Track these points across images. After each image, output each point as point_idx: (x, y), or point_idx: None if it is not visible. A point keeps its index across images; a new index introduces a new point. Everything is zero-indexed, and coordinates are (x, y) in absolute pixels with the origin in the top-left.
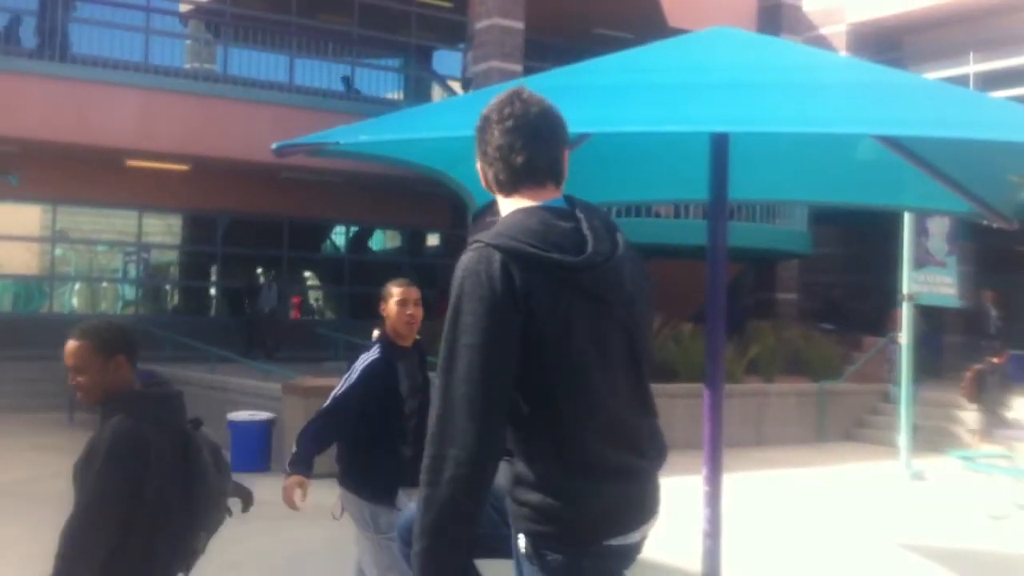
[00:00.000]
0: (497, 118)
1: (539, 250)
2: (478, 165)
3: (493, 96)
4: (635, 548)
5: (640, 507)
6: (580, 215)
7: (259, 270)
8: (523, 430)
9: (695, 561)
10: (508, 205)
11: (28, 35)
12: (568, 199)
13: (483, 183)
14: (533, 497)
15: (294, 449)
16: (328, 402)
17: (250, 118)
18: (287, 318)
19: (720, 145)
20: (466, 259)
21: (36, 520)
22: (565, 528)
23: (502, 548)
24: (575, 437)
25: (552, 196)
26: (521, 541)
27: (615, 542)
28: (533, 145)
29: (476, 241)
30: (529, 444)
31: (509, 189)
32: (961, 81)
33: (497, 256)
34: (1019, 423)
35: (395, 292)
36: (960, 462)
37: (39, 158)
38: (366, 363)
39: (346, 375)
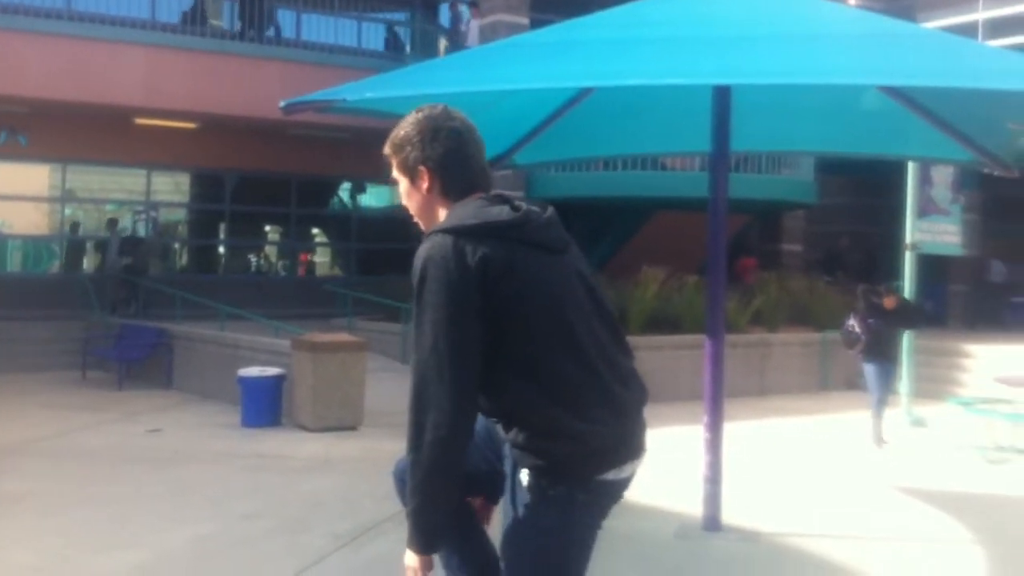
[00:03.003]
0: (430, 142)
1: (482, 221)
2: (405, 179)
3: (423, 107)
4: (624, 483)
5: (629, 444)
6: (510, 199)
7: (267, 227)
8: (521, 383)
9: (696, 505)
10: (446, 207)
11: None
12: (495, 194)
13: (412, 191)
14: (536, 439)
15: None
16: None
17: (257, 75)
18: (144, 271)
19: (722, 97)
20: (422, 249)
21: (54, 476)
22: (566, 464)
23: (497, 486)
24: (568, 372)
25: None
26: (524, 475)
27: (609, 476)
28: (466, 165)
29: (429, 234)
30: (527, 394)
31: (455, 197)
32: (970, 28)
33: (449, 239)
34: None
35: None
36: (960, 408)
37: (47, 118)
38: None
39: None
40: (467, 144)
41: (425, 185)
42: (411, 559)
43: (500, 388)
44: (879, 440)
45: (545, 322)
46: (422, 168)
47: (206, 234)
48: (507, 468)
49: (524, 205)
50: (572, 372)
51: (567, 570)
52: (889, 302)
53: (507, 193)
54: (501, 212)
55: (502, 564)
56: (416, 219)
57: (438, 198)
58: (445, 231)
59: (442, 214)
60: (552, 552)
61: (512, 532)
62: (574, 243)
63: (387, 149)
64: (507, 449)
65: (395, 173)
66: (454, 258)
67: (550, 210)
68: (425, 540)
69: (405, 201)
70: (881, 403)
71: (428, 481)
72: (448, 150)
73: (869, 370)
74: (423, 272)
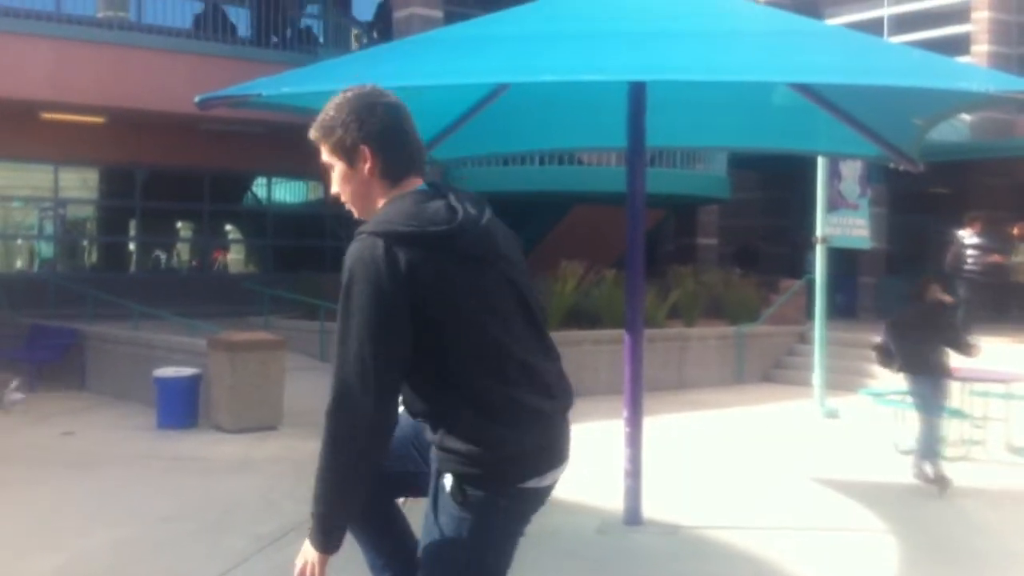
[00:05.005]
0: (367, 119)
1: (416, 228)
2: (341, 162)
3: (357, 88)
4: (546, 491)
5: (552, 452)
6: (448, 193)
7: (179, 224)
8: (442, 389)
9: (617, 500)
10: (396, 185)
11: None
12: (432, 184)
13: (350, 173)
14: (459, 446)
15: None
16: None
17: (167, 68)
18: None
19: (637, 93)
20: (353, 248)
21: None
22: (488, 471)
23: (425, 486)
24: (487, 387)
25: (418, 183)
26: (447, 480)
27: (530, 484)
28: (406, 142)
29: (360, 232)
30: (449, 399)
31: (395, 178)
32: (875, 24)
33: (380, 242)
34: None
35: None
36: (871, 399)
37: None
38: None
39: None
40: (404, 120)
41: (367, 166)
42: (310, 554)
43: (425, 393)
44: (943, 483)
45: (467, 336)
46: (363, 147)
47: (117, 231)
48: (432, 468)
49: (461, 206)
50: (493, 384)
51: (485, 574)
52: (932, 292)
53: (443, 185)
54: (437, 213)
55: (421, 567)
56: (349, 205)
57: (378, 180)
58: (377, 233)
59: (379, 200)
60: (471, 556)
61: (432, 536)
62: (517, 245)
63: (315, 132)
64: (433, 451)
65: (327, 158)
66: (385, 263)
67: (487, 214)
68: (328, 540)
69: (339, 186)
70: (933, 430)
71: (340, 485)
72: (387, 127)
73: (915, 389)
74: (351, 274)
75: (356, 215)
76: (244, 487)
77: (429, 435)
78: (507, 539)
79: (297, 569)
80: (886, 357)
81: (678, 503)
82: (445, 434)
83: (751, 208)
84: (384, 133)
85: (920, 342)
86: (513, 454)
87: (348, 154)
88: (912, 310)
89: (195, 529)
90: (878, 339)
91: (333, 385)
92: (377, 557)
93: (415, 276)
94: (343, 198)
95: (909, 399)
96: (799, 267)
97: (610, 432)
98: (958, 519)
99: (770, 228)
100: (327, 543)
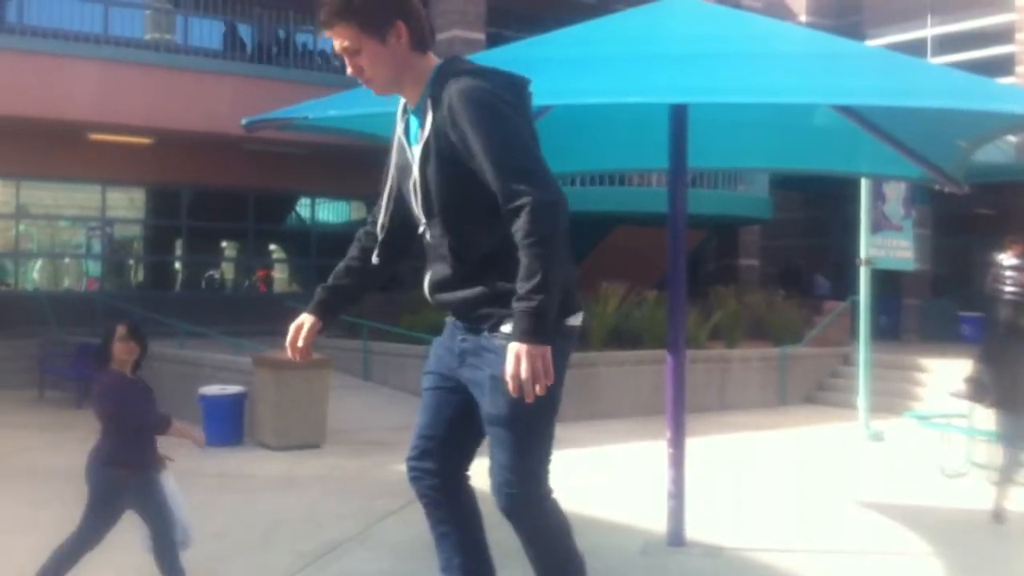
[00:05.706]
0: None
1: (518, 74)
2: (371, 40)
3: None
4: (578, 332)
5: (576, 293)
6: None
7: (224, 243)
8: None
9: (660, 521)
10: (423, 57)
11: None
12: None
13: (382, 50)
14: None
15: None
16: None
17: (212, 89)
18: None
19: (679, 115)
20: (473, 83)
21: (5, 496)
22: None
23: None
24: None
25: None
26: (507, 327)
27: (571, 322)
28: (423, 13)
29: (465, 74)
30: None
31: (422, 48)
32: (919, 44)
33: (486, 82)
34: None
35: None
36: (917, 422)
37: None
38: None
39: None
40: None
41: (402, 40)
42: (537, 351)
43: (492, 229)
44: (1001, 514)
45: None
46: (398, 23)
47: (163, 250)
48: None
49: None
50: None
51: (556, 405)
52: None
53: None
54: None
55: (497, 424)
56: (375, 82)
57: (411, 52)
58: (479, 73)
59: (410, 71)
60: (551, 391)
61: (502, 392)
62: None
63: (335, 17)
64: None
65: (349, 43)
66: (505, 89)
67: None
68: (550, 328)
69: (369, 65)
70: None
71: (558, 271)
72: (419, 10)
73: (1011, 423)
74: (481, 97)
75: (378, 91)
76: (287, 505)
77: (480, 290)
78: (562, 374)
79: (518, 368)
80: (979, 391)
81: (721, 525)
82: (500, 279)
83: (793, 229)
84: (408, 6)
85: (1019, 375)
86: (565, 285)
87: (380, 32)
88: (1005, 340)
89: (238, 545)
90: (969, 372)
91: (528, 187)
92: (454, 555)
93: (522, 107)
94: (369, 75)
95: (956, 422)
96: (837, 289)
97: (653, 453)
98: (1004, 544)
99: (812, 249)
100: (549, 333)
